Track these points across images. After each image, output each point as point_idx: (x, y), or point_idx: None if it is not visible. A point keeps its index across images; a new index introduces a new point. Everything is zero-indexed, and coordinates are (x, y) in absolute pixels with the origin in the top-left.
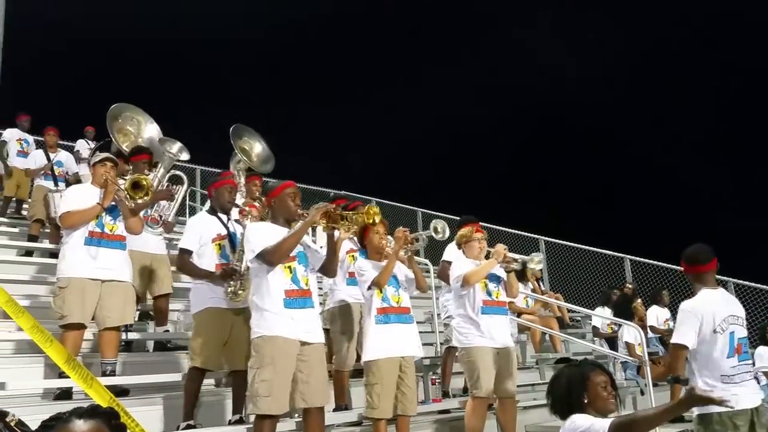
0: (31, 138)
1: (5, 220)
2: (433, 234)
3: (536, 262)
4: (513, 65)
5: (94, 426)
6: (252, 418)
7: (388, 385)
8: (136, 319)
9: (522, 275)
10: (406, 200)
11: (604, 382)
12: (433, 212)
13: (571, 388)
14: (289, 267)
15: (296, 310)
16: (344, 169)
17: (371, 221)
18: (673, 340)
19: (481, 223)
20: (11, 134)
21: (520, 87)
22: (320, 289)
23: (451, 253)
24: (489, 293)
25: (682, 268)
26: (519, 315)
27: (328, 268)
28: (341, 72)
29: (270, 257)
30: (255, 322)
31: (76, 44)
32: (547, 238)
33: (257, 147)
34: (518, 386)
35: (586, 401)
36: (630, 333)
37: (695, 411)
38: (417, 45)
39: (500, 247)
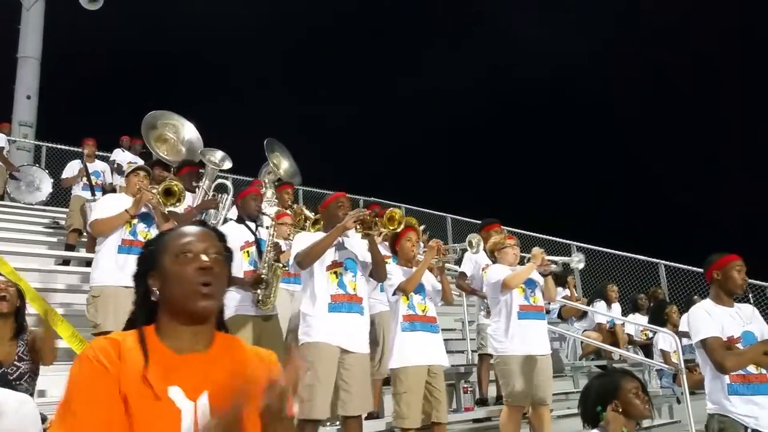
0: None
1: (43, 229)
2: (468, 248)
3: (577, 261)
4: (538, 62)
5: None
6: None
7: (416, 394)
8: None
9: (561, 280)
10: (434, 206)
11: (636, 389)
12: (462, 218)
13: (602, 397)
14: (335, 272)
15: (342, 314)
16: (367, 175)
17: (394, 227)
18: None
19: (513, 229)
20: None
21: (551, 88)
22: None
23: (468, 264)
24: (526, 298)
25: None
26: None
27: (375, 274)
28: (353, 69)
29: (300, 259)
30: (300, 329)
31: (110, 55)
32: (579, 243)
33: (284, 164)
34: (552, 395)
35: (620, 410)
36: (665, 340)
37: None
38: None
39: (538, 251)
